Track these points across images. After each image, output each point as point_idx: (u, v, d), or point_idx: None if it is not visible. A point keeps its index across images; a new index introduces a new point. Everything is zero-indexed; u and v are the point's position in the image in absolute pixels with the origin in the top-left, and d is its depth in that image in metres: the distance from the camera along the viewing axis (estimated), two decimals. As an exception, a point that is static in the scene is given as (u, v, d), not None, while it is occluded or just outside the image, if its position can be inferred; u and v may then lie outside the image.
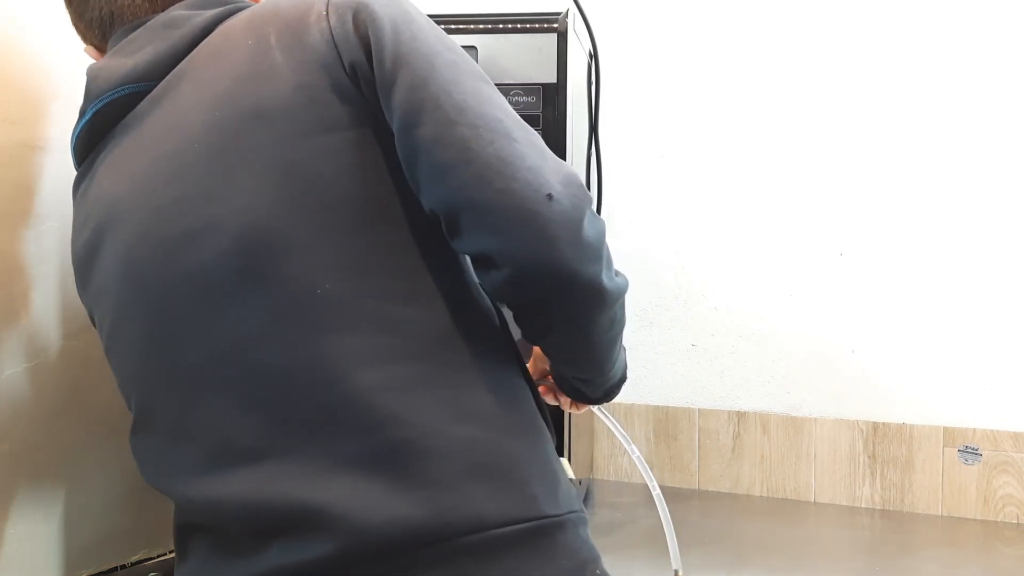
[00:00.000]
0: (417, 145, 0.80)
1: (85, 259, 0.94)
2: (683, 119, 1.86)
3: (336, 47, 0.84)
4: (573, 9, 1.52)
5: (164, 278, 0.85)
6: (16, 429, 1.16)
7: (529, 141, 0.82)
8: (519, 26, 1.46)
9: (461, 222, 0.80)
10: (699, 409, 1.84)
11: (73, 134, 0.98)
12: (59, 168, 1.20)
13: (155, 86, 0.91)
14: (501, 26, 1.46)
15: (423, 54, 0.83)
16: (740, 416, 1.81)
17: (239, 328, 0.81)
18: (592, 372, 0.95)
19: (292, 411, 0.79)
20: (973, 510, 1.63)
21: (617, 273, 0.86)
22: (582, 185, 0.82)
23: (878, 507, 1.70)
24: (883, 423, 1.70)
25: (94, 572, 1.27)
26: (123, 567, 1.30)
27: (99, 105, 0.94)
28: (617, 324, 0.89)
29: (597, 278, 0.81)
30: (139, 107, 0.92)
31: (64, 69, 1.22)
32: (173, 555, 1.36)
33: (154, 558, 1.34)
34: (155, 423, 0.89)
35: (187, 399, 0.85)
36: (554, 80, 1.44)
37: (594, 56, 1.67)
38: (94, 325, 0.99)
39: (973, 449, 1.63)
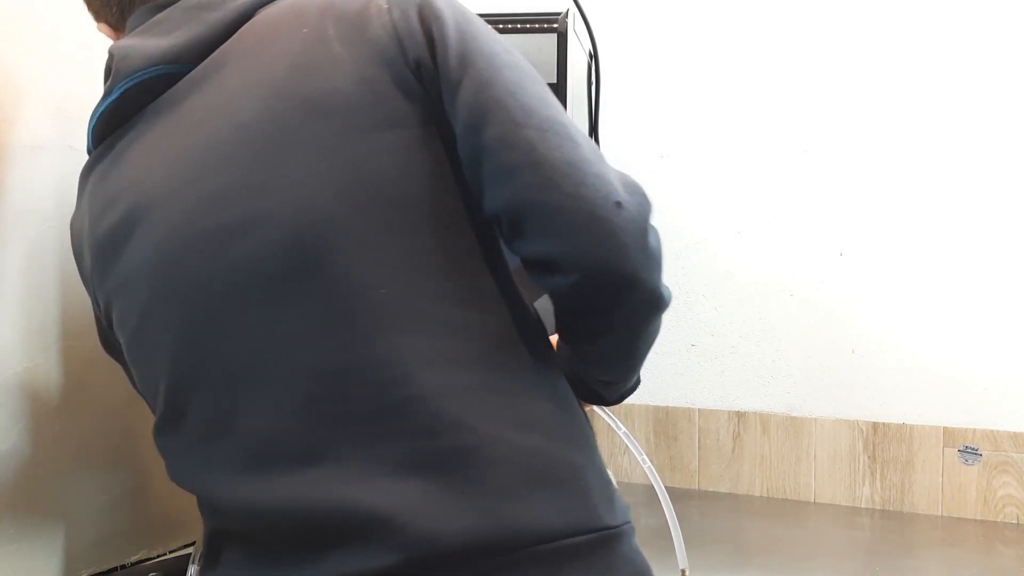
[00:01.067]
0: (483, 146, 0.79)
1: (110, 246, 0.88)
2: (683, 119, 1.86)
3: (400, 42, 0.81)
4: (573, 9, 1.52)
5: (206, 270, 0.81)
6: (16, 429, 1.16)
7: (590, 146, 0.82)
8: (519, 26, 1.46)
9: (526, 225, 0.79)
10: (699, 409, 1.84)
11: (95, 113, 0.93)
12: (59, 168, 1.20)
13: (191, 69, 0.87)
14: (501, 26, 1.45)
15: (486, 54, 0.82)
16: (740, 416, 1.81)
17: (290, 326, 0.78)
18: (622, 376, 0.94)
19: (349, 413, 0.77)
20: (973, 510, 1.63)
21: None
22: (645, 193, 0.82)
23: (878, 507, 1.70)
24: (883, 423, 1.70)
25: (94, 572, 1.26)
26: (123, 567, 1.30)
27: (128, 84, 0.89)
28: (658, 330, 0.89)
29: (658, 286, 0.81)
30: (175, 90, 0.88)
31: (65, 68, 1.22)
32: (173, 555, 1.36)
33: (154, 558, 1.34)
34: (187, 420, 0.85)
35: (227, 397, 0.81)
36: (554, 80, 1.44)
37: (594, 56, 1.67)
38: (100, 316, 0.95)
39: (973, 449, 1.63)
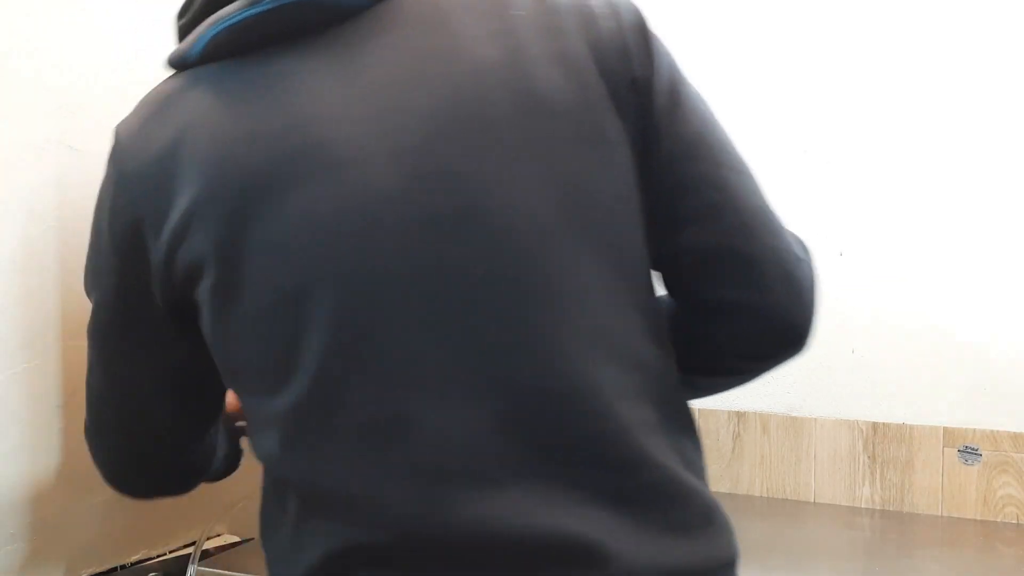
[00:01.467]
0: (687, 180, 0.78)
1: (261, 187, 0.74)
2: (683, 119, 1.86)
3: (622, 54, 0.77)
4: (573, 9, 1.52)
5: (402, 255, 0.72)
6: (16, 429, 1.16)
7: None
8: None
9: (721, 269, 0.79)
10: (699, 409, 1.83)
11: (227, 19, 0.77)
12: (59, 168, 1.20)
13: (359, 6, 0.76)
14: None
15: (687, 85, 0.82)
16: (740, 416, 1.81)
17: (491, 335, 0.72)
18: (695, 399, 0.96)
19: (549, 437, 0.72)
20: (973, 510, 1.63)
21: None
22: (808, 247, 0.85)
23: (878, 507, 1.70)
24: (883, 423, 1.70)
25: (94, 572, 1.27)
26: (123, 567, 1.30)
27: (275, 3, 0.76)
28: None
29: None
30: (345, 30, 0.76)
31: (67, 67, 1.22)
32: (173, 555, 1.36)
33: (154, 558, 1.34)
34: (342, 415, 0.74)
35: (405, 399, 0.73)
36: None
37: (594, 56, 1.67)
38: (165, 264, 0.78)
39: (973, 449, 1.63)
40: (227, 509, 1.45)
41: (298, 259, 0.73)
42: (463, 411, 0.72)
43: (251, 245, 0.74)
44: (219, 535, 1.44)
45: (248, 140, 0.75)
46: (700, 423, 0.86)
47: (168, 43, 1.12)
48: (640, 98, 0.78)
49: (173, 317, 0.83)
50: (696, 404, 1.27)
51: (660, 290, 0.85)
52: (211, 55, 0.79)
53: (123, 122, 0.83)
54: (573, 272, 0.73)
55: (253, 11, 0.76)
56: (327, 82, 0.75)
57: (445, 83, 0.74)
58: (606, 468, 0.73)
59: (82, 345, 1.23)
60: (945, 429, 1.65)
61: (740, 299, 0.80)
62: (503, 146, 0.73)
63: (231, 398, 0.98)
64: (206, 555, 1.34)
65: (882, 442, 1.70)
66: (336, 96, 0.75)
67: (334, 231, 0.73)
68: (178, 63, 0.81)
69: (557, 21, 0.77)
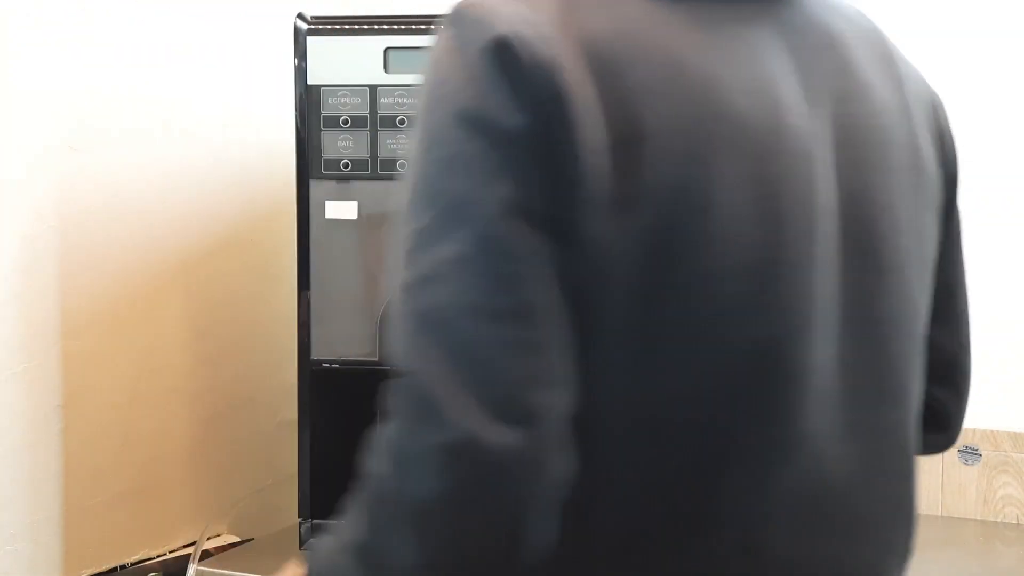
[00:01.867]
0: (949, 282, 0.84)
1: (720, 140, 0.65)
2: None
3: (952, 150, 0.84)
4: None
5: (826, 269, 0.69)
6: (16, 429, 1.16)
7: None
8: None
9: (944, 369, 0.85)
10: (699, 409, 1.83)
11: None
12: (59, 168, 1.20)
13: None
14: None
15: None
16: (740, 416, 1.81)
17: (880, 380, 0.74)
18: None
19: (890, 489, 0.76)
20: (973, 510, 1.63)
21: None
22: None
23: (878, 507, 1.70)
24: (883, 423, 1.70)
25: (94, 572, 1.27)
26: (123, 567, 1.30)
27: None
28: None
29: None
30: (773, 10, 0.72)
31: (67, 67, 1.22)
32: (173, 555, 1.37)
33: (154, 558, 1.34)
34: (739, 437, 0.66)
35: (801, 422, 0.68)
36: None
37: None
38: (591, 181, 0.61)
39: (973, 449, 1.63)
40: (227, 509, 1.45)
41: (753, 235, 0.65)
42: (841, 449, 0.70)
43: (714, 199, 0.64)
44: (219, 535, 1.44)
45: (715, 86, 0.66)
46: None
47: (166, 44, 1.12)
48: (949, 195, 0.84)
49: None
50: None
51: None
52: None
53: (491, 4, 0.65)
54: (913, 345, 0.77)
55: None
56: (779, 64, 0.70)
57: (865, 114, 0.74)
58: (906, 524, 0.78)
59: (82, 345, 1.23)
60: (945, 429, 1.65)
61: (942, 398, 0.86)
62: (899, 192, 0.75)
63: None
64: (206, 555, 1.34)
65: (882, 442, 1.70)
66: (791, 84, 0.70)
67: (784, 220, 0.67)
68: None
69: (919, 91, 0.81)
